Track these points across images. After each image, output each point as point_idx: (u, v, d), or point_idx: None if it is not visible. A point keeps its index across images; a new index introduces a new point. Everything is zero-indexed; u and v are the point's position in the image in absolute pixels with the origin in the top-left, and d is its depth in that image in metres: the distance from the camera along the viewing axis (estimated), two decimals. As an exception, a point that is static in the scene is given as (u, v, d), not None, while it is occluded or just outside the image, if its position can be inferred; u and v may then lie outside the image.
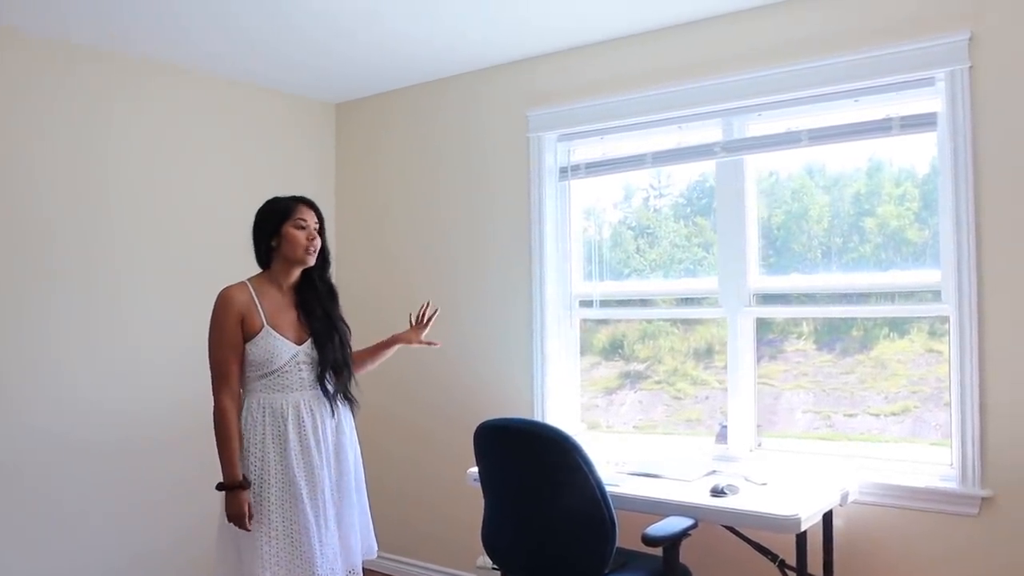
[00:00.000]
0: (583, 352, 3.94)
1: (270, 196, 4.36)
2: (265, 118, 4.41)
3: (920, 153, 3.16)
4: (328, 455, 2.69)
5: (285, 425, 2.61)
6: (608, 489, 2.68)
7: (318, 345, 2.71)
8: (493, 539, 2.81)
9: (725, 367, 3.49)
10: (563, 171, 3.87)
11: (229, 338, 2.61)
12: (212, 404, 2.60)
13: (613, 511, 2.57)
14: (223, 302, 2.63)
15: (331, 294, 2.83)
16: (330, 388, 2.71)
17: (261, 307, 2.66)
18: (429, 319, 3.08)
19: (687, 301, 3.69)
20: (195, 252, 3.99)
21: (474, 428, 3.91)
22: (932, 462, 3.03)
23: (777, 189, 3.50)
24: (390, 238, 4.50)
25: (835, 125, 3.20)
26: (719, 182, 3.52)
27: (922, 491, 2.94)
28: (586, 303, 3.86)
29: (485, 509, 2.85)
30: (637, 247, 3.87)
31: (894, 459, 3.11)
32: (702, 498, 2.79)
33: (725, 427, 3.50)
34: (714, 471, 3.18)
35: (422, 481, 4.28)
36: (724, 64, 3.38)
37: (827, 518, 2.91)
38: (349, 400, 2.81)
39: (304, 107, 4.60)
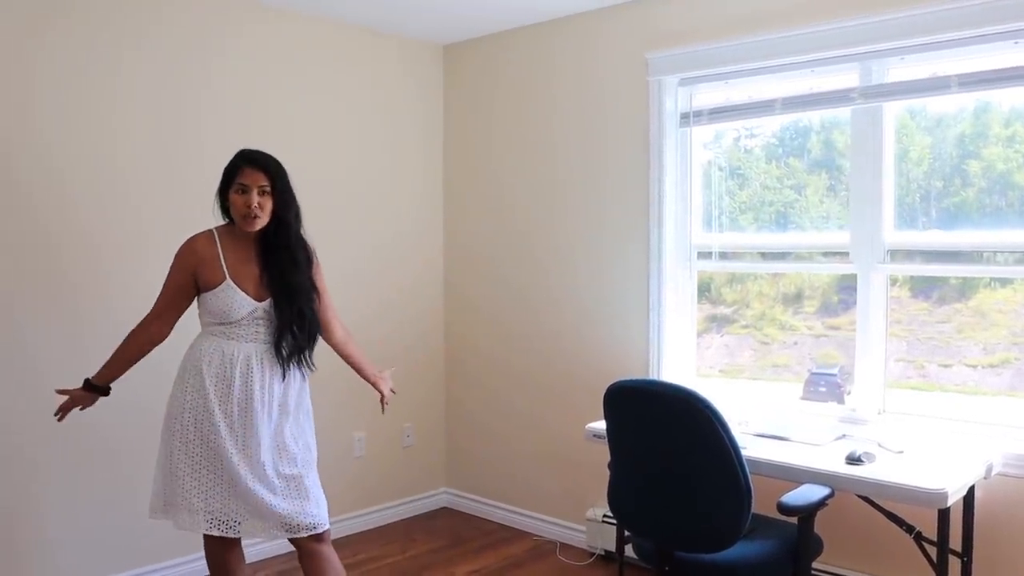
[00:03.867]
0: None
1: (377, 140, 4.35)
2: (370, 60, 4.33)
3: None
4: (271, 410, 2.68)
5: (233, 369, 2.63)
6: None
7: (276, 307, 2.68)
8: (620, 502, 2.77)
9: (815, 312, 3.44)
10: (684, 117, 3.71)
11: (176, 285, 2.69)
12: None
13: (750, 479, 2.50)
14: (184, 250, 2.69)
15: (290, 257, 2.70)
16: (284, 351, 2.69)
17: (224, 259, 2.66)
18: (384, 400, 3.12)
19: (801, 255, 3.54)
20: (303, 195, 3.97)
21: (586, 379, 3.90)
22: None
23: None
24: (500, 185, 4.42)
25: (992, 70, 2.96)
26: (854, 130, 3.32)
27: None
28: (704, 255, 3.74)
29: (612, 471, 2.80)
30: (726, 188, 3.74)
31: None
32: (838, 466, 2.70)
33: (817, 374, 3.44)
34: (844, 435, 3.07)
35: (535, 432, 4.28)
36: (863, 2, 3.15)
37: (969, 491, 2.78)
38: (302, 365, 2.76)
39: (411, 48, 4.51)
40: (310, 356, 2.78)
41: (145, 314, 2.72)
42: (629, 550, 2.98)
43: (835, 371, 3.45)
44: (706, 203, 3.77)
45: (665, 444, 2.60)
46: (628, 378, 2.85)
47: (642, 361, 3.80)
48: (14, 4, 3.15)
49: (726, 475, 2.49)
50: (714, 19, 3.55)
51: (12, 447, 3.20)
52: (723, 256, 3.70)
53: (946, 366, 3.21)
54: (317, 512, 2.71)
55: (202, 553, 2.89)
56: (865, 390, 3.29)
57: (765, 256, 3.65)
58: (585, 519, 3.96)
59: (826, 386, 3.46)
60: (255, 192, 2.60)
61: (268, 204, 2.63)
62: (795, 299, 3.61)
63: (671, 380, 3.55)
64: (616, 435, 2.76)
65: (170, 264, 2.70)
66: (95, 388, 2.71)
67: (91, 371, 2.74)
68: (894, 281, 3.31)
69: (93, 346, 3.03)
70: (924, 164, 3.24)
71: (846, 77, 3.33)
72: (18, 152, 3.19)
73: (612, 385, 2.72)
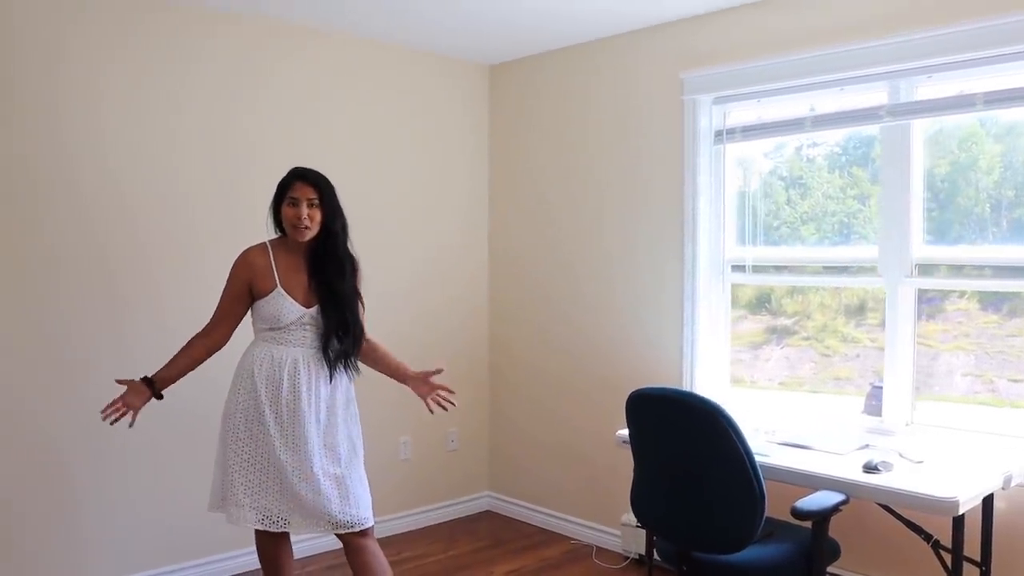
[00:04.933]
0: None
1: (425, 157, 4.55)
2: (419, 79, 4.54)
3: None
4: (318, 411, 2.86)
5: (282, 372, 2.83)
6: (758, 459, 2.71)
7: (323, 314, 2.87)
8: (641, 503, 2.90)
9: (880, 325, 3.42)
10: (718, 134, 3.83)
11: (232, 295, 2.90)
12: None
13: (763, 483, 2.60)
14: (239, 262, 2.91)
15: (337, 266, 2.89)
16: (331, 355, 2.88)
17: (276, 268, 2.87)
18: (442, 399, 3.15)
19: (839, 269, 3.60)
20: (353, 211, 4.17)
21: (622, 388, 3.99)
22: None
23: (942, 138, 3.34)
24: (541, 200, 4.59)
25: (1016, 88, 3.02)
26: (883, 147, 3.41)
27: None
28: (738, 267, 3.83)
29: (635, 474, 2.93)
30: (788, 198, 3.78)
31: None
32: (854, 474, 2.78)
33: (878, 387, 3.43)
34: (867, 445, 3.14)
35: (571, 437, 4.42)
36: (892, 23, 3.23)
37: (987, 500, 2.83)
38: (348, 368, 2.94)
39: (459, 69, 4.71)
40: (355, 360, 2.97)
41: (201, 323, 2.95)
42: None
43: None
44: (740, 217, 3.87)
45: (682, 449, 2.72)
46: (647, 386, 2.97)
47: (675, 371, 3.92)
48: (87, 29, 3.44)
49: (740, 481, 2.60)
50: (747, 40, 3.66)
51: (68, 446, 3.46)
52: (779, 270, 3.75)
53: (1016, 381, 3.16)
54: (361, 510, 2.88)
55: (254, 547, 3.11)
56: (894, 402, 3.35)
57: (828, 269, 3.64)
58: (620, 524, 4.08)
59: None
60: (305, 205, 2.82)
61: (317, 216, 2.84)
62: (858, 311, 3.60)
63: (698, 390, 3.68)
64: (637, 440, 2.89)
65: (227, 276, 2.92)
66: (151, 385, 2.88)
67: (139, 375, 2.94)
68: (962, 294, 3.30)
69: (142, 351, 3.34)
70: (994, 173, 3.21)
71: (875, 95, 3.41)
72: (84, 165, 3.46)
73: (633, 393, 2.86)
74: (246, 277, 2.88)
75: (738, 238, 3.87)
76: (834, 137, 3.68)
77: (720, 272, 3.87)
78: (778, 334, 3.86)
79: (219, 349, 2.94)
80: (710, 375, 3.87)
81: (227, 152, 3.85)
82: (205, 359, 2.94)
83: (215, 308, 2.93)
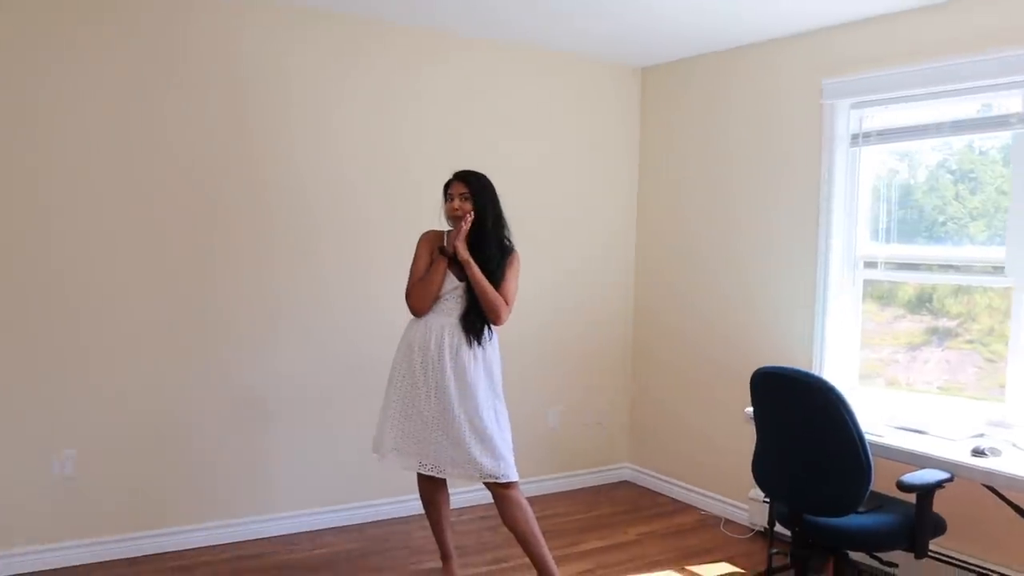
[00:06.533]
0: (886, 304, 3.99)
1: (575, 158, 5.00)
2: (571, 84, 4.96)
3: None
4: (463, 373, 3.32)
5: (430, 335, 3.35)
6: (871, 438, 3.01)
7: (467, 289, 3.37)
8: (760, 471, 3.25)
9: None
10: (854, 138, 4.06)
11: (421, 259, 3.44)
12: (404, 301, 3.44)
13: (870, 456, 2.89)
14: (421, 238, 3.50)
15: (483, 252, 3.35)
16: (472, 324, 3.35)
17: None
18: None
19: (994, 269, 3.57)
20: (515, 213, 4.60)
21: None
22: None
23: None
24: (684, 196, 4.94)
25: None
26: (1014, 153, 3.55)
27: None
28: (871, 264, 4.05)
29: (756, 444, 3.28)
30: (956, 193, 3.76)
31: None
32: (961, 456, 3.01)
33: None
34: (982, 434, 3.33)
35: (706, 416, 4.78)
36: (1029, 34, 3.39)
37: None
38: (482, 337, 3.38)
39: (611, 72, 5.11)
40: (489, 331, 3.45)
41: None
42: (781, 528, 3.41)
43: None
44: (873, 216, 4.09)
45: (797, 422, 3.05)
46: (769, 365, 3.30)
47: (805, 360, 4.19)
48: (299, 48, 4.10)
49: (848, 452, 2.90)
50: (886, 47, 3.87)
51: (270, 397, 4.17)
52: (944, 268, 3.77)
53: None
54: (504, 464, 3.35)
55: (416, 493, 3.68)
56: (1017, 396, 3.51)
57: (946, 268, 3.63)
58: (748, 498, 4.40)
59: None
60: (457, 199, 3.37)
61: (468, 207, 3.37)
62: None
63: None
64: (759, 413, 3.24)
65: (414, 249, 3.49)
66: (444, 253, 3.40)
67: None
68: None
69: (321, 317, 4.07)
70: None
71: (1009, 102, 3.56)
72: (271, 167, 4.11)
73: (756, 370, 3.21)
74: (427, 247, 3.46)
75: (871, 235, 4.09)
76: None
77: (852, 268, 4.10)
78: (939, 335, 3.79)
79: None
80: (840, 366, 4.12)
81: (384, 155, 4.38)
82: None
83: (409, 275, 3.47)
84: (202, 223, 3.94)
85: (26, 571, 3.60)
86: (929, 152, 3.95)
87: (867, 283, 4.11)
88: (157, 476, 3.89)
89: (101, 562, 3.76)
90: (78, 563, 3.71)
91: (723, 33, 4.36)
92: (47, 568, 3.65)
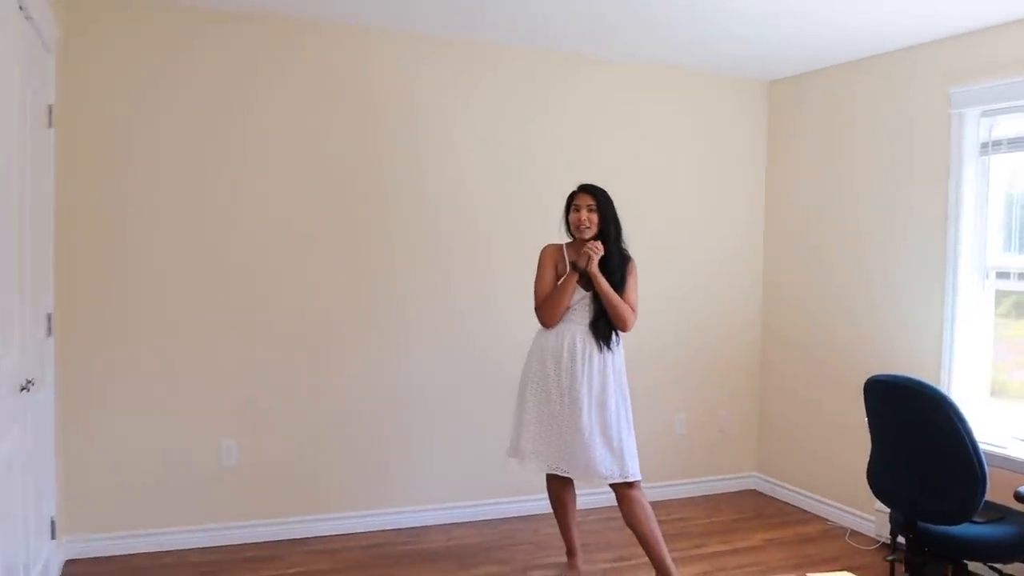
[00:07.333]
0: (1021, 315, 3.94)
1: (704, 173, 5.13)
2: (700, 99, 5.10)
3: None
4: (591, 378, 3.51)
5: (562, 342, 3.55)
6: (991, 448, 3.01)
7: (594, 298, 3.54)
8: (875, 478, 3.28)
9: None
10: (983, 147, 4.01)
11: (546, 274, 3.63)
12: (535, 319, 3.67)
13: (984, 465, 2.89)
14: (542, 253, 3.69)
15: (606, 261, 3.53)
16: (599, 331, 3.54)
17: (568, 260, 3.61)
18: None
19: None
20: (645, 226, 4.79)
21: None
22: None
23: None
24: (810, 207, 4.97)
25: None
26: None
27: None
28: (1003, 275, 3.98)
29: (871, 451, 3.32)
30: None
31: None
32: (1086, 469, 2.97)
33: None
34: (1116, 448, 3.25)
35: (832, 427, 4.78)
36: None
37: None
38: (610, 342, 3.56)
39: (739, 87, 5.20)
40: (617, 337, 3.63)
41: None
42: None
43: None
44: (1006, 225, 4.01)
45: (910, 429, 3.08)
46: (882, 373, 3.33)
47: (933, 371, 4.14)
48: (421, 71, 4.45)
49: (962, 461, 2.91)
50: (1017, 53, 3.81)
51: (433, 397, 4.52)
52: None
53: None
54: (627, 465, 3.53)
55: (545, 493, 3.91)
56: None
57: None
58: (875, 510, 4.38)
59: None
60: (584, 210, 3.57)
61: (594, 219, 3.57)
62: None
63: (953, 395, 3.90)
64: (873, 421, 3.28)
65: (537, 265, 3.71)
66: (576, 269, 3.59)
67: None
68: None
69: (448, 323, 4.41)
70: None
71: None
72: (402, 185, 4.49)
73: (869, 378, 3.26)
74: (550, 262, 3.67)
75: (1005, 245, 4.01)
76: None
77: (983, 278, 4.03)
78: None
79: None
80: (968, 378, 4.06)
81: (505, 171, 4.64)
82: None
83: (535, 294, 3.68)
84: (350, 235, 4.35)
85: (176, 548, 4.06)
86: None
87: (1000, 294, 4.03)
88: (311, 467, 4.32)
89: (251, 543, 4.17)
90: (227, 544, 4.14)
91: (850, 44, 4.38)
92: (199, 546, 4.10)
